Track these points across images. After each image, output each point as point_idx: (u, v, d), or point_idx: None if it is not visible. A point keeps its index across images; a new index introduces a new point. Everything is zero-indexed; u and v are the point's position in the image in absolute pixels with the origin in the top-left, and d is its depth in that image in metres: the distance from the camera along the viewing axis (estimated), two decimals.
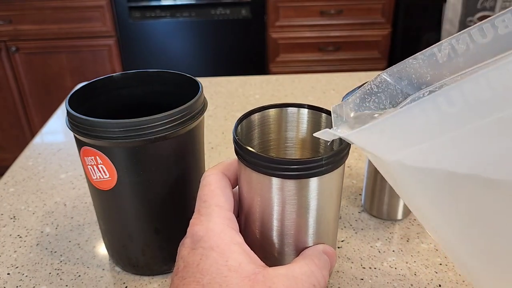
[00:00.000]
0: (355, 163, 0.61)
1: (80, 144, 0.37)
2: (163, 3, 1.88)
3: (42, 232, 0.49)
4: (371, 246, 0.46)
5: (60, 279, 0.43)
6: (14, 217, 0.52)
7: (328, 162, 0.29)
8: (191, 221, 0.30)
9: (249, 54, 1.99)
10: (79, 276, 0.43)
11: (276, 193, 0.30)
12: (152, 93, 0.44)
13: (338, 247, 0.46)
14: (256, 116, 0.35)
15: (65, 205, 0.54)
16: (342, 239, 0.47)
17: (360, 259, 0.44)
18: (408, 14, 1.96)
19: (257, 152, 0.29)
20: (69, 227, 0.50)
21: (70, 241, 0.48)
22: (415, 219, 0.49)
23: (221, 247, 0.28)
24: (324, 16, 1.95)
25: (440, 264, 0.43)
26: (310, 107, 0.35)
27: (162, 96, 0.43)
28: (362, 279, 0.42)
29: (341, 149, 0.29)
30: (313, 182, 0.29)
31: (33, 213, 0.52)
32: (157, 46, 1.96)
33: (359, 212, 0.51)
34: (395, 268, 0.43)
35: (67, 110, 0.36)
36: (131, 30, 1.91)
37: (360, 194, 0.54)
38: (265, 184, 0.30)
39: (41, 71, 1.95)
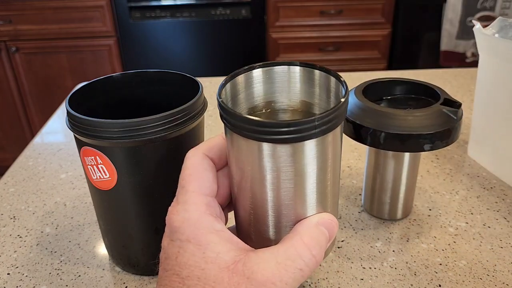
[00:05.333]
0: (355, 163, 0.61)
1: (80, 144, 0.37)
2: (163, 3, 1.88)
3: (42, 232, 0.49)
4: (371, 246, 0.46)
5: (60, 279, 0.43)
6: (14, 217, 0.52)
7: (321, 123, 0.26)
8: (169, 209, 0.29)
9: (249, 54, 1.99)
10: (79, 276, 0.43)
11: (268, 160, 0.27)
12: (152, 93, 0.44)
13: (338, 247, 0.46)
14: (241, 78, 0.31)
15: (65, 205, 0.54)
16: (342, 239, 0.47)
17: (360, 259, 0.44)
18: (408, 14, 1.96)
19: (244, 115, 0.26)
20: (69, 227, 0.50)
21: (70, 241, 0.48)
22: (415, 219, 0.49)
23: (198, 237, 0.27)
24: (324, 16, 1.95)
25: (440, 264, 0.43)
26: (302, 64, 0.31)
27: (162, 96, 0.43)
28: (362, 279, 0.42)
29: (335, 108, 0.26)
30: (307, 146, 0.27)
31: (33, 213, 0.52)
32: (157, 46, 1.96)
33: (359, 212, 0.51)
34: (395, 268, 0.43)
35: (67, 110, 0.36)
36: (131, 30, 1.91)
37: (360, 194, 0.54)
38: (255, 151, 0.27)
39: (41, 71, 1.95)
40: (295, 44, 1.99)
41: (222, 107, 0.27)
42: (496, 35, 0.54)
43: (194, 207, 0.28)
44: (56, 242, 0.48)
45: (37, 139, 0.71)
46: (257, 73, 0.32)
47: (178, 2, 1.88)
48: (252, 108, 0.33)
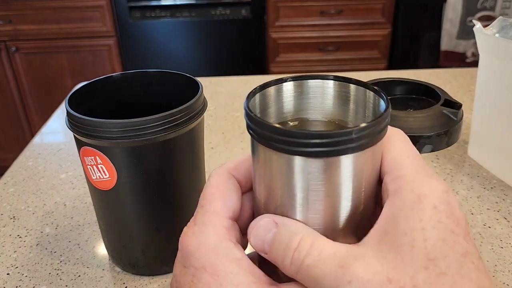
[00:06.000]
0: None
1: (80, 144, 0.37)
2: (163, 3, 1.88)
3: (42, 232, 0.49)
4: None
5: (60, 279, 0.43)
6: (14, 217, 0.52)
7: (360, 137, 0.23)
8: (184, 229, 0.26)
9: (249, 54, 1.99)
10: (79, 276, 0.43)
11: (297, 177, 0.24)
12: (152, 93, 0.44)
13: None
14: (272, 91, 0.29)
15: (65, 205, 0.54)
16: None
17: None
18: (408, 14, 1.96)
19: (273, 124, 0.24)
20: (69, 227, 0.50)
21: (70, 241, 0.48)
22: None
23: (215, 266, 0.24)
24: (324, 16, 1.95)
25: None
26: (336, 78, 0.29)
27: (162, 96, 0.43)
28: None
29: (377, 121, 0.23)
30: (342, 162, 0.24)
31: (33, 213, 0.52)
32: (157, 46, 1.96)
33: None
34: None
35: (67, 110, 0.36)
36: (131, 30, 1.91)
37: None
38: (283, 165, 0.24)
39: (41, 71, 1.95)
40: (295, 44, 1.99)
41: (249, 116, 0.25)
42: (497, 35, 0.54)
43: (213, 229, 0.25)
44: (56, 242, 0.48)
45: (36, 139, 0.71)
46: (289, 87, 0.30)
47: (178, 2, 1.88)
48: (282, 124, 0.30)
